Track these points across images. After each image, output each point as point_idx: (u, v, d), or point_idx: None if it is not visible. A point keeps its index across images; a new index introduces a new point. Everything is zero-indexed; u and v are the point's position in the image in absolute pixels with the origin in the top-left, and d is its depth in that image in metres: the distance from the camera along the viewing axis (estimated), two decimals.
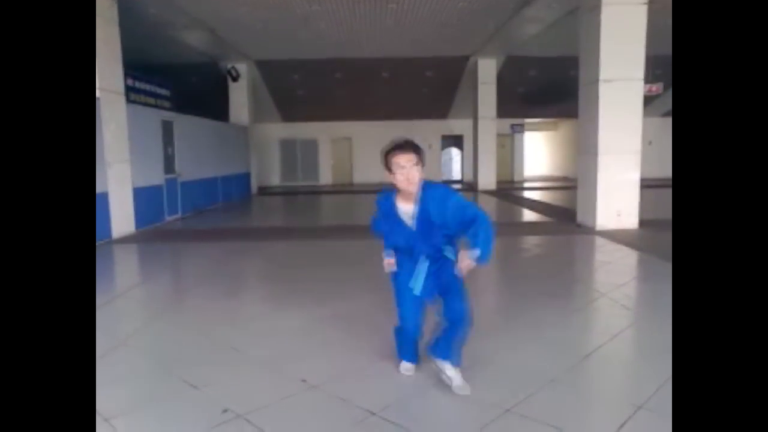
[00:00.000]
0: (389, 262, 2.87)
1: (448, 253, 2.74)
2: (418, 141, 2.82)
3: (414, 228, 2.70)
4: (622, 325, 3.82)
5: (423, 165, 2.67)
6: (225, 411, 2.57)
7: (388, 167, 2.68)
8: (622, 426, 2.38)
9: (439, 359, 2.79)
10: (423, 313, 2.89)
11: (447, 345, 2.76)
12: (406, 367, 3.01)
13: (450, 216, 2.58)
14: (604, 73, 8.00)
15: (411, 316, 2.86)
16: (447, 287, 2.73)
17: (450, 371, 2.77)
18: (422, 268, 2.73)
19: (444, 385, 2.83)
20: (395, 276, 2.89)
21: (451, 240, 2.75)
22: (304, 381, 2.90)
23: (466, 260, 2.52)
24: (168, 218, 10.22)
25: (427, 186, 2.68)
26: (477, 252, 2.48)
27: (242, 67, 15.64)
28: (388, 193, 2.82)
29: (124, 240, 7.94)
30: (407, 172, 2.61)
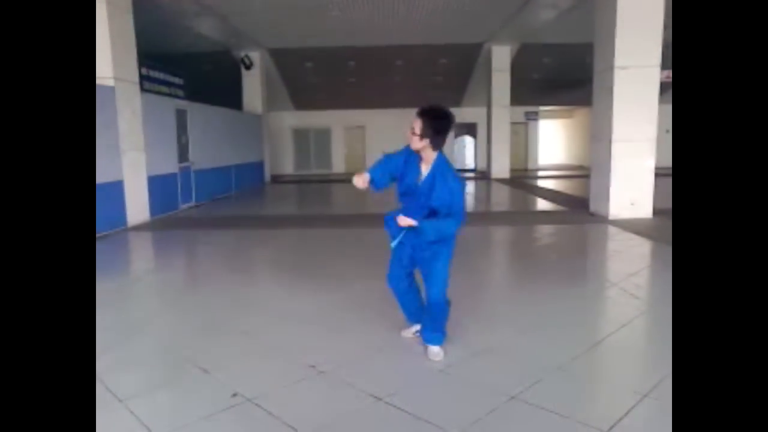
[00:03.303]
0: (365, 179, 2.94)
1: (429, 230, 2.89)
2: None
3: (419, 186, 2.93)
4: (631, 314, 3.80)
5: (428, 137, 2.81)
6: (234, 395, 2.63)
7: None
8: (626, 414, 2.39)
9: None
10: (407, 280, 3.19)
11: (427, 329, 3.12)
12: (412, 330, 3.36)
13: (442, 194, 2.83)
14: (619, 60, 7.89)
15: (393, 275, 3.18)
16: (428, 272, 3.00)
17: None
18: (401, 233, 3.02)
19: (450, 371, 2.87)
20: (392, 234, 3.12)
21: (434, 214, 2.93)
22: (312, 367, 2.95)
23: (408, 221, 2.83)
24: (182, 206, 10.33)
25: (443, 162, 2.92)
26: (418, 224, 2.82)
27: (255, 56, 15.66)
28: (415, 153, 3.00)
29: (139, 228, 8.06)
30: (409, 134, 2.88)
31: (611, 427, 2.28)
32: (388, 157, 3.03)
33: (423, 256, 3.00)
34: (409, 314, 3.32)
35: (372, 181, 2.96)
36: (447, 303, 3.07)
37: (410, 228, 2.91)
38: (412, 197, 2.95)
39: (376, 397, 2.59)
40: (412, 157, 2.96)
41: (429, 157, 2.90)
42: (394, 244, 3.09)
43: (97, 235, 7.15)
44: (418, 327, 3.29)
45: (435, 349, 3.07)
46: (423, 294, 3.19)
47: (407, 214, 2.87)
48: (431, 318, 3.07)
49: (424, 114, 2.81)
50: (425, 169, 2.93)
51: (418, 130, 2.81)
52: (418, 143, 2.84)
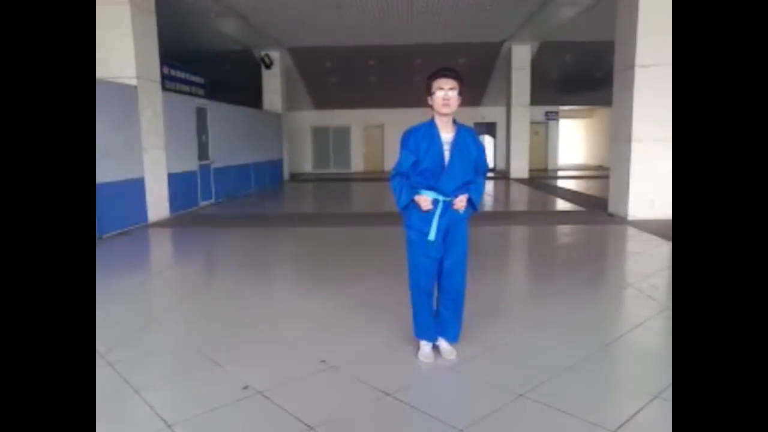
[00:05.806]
0: (426, 199, 2.76)
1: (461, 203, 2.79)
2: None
3: (448, 156, 2.75)
4: (645, 315, 3.76)
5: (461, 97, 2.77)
6: (245, 387, 2.67)
7: (429, 90, 2.77)
8: (635, 414, 2.37)
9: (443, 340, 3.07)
10: (435, 278, 2.96)
11: (453, 323, 3.03)
12: (425, 354, 3.00)
13: (475, 157, 2.79)
14: (640, 58, 7.77)
15: (423, 273, 2.89)
16: (456, 258, 2.89)
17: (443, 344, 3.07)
18: (438, 212, 2.79)
19: (459, 368, 2.87)
20: (409, 237, 2.92)
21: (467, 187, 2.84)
22: (323, 362, 2.98)
23: (462, 201, 2.77)
24: (201, 204, 10.48)
25: (462, 126, 2.86)
26: (465, 198, 2.78)
27: (275, 55, 15.81)
28: (421, 123, 2.86)
29: (159, 224, 8.21)
30: (445, 94, 2.70)
31: (618, 427, 2.26)
32: (406, 149, 2.81)
33: (454, 239, 2.85)
34: (433, 328, 3.02)
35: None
36: None
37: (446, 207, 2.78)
38: (441, 170, 2.75)
39: (384, 392, 2.62)
40: (429, 131, 2.78)
41: (449, 122, 2.78)
42: (432, 234, 2.79)
43: (119, 231, 7.30)
44: (441, 342, 3.07)
45: (449, 347, 3.04)
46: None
47: (438, 191, 2.75)
48: (459, 308, 3.01)
49: (455, 72, 2.74)
50: (447, 134, 2.78)
51: (458, 89, 2.72)
52: (457, 101, 2.72)
